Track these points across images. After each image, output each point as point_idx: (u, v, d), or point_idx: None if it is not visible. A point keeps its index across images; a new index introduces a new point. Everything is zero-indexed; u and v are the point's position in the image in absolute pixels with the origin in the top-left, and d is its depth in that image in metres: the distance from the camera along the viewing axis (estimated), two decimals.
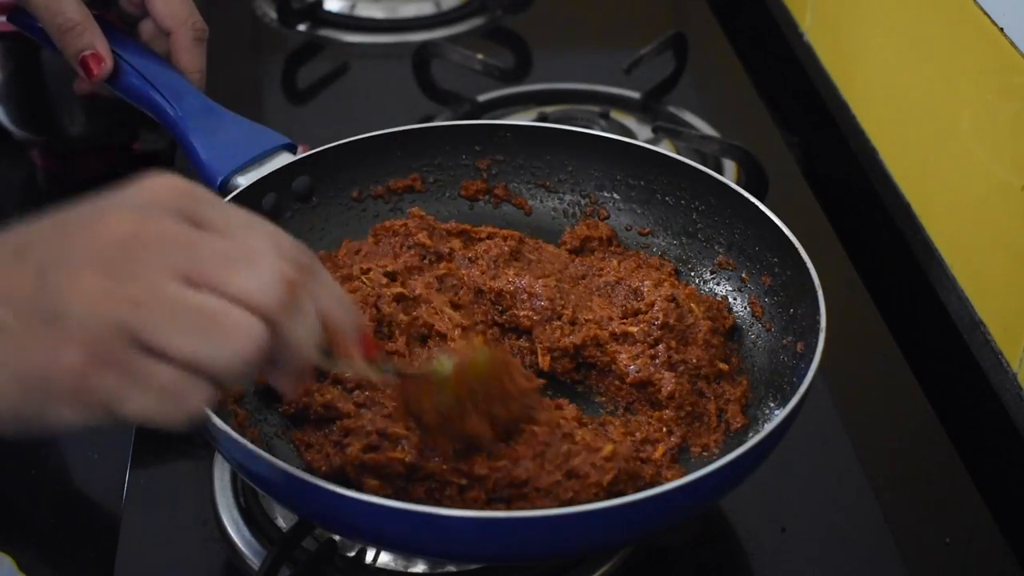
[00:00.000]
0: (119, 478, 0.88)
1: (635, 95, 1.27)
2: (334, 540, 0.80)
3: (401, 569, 0.80)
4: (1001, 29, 0.92)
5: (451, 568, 0.80)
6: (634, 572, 0.81)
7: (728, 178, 0.92)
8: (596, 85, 1.29)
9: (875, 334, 1.02)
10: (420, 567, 0.80)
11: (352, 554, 0.80)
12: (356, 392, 0.79)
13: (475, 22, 1.44)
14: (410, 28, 1.43)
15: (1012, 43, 0.90)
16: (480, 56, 1.29)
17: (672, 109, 1.26)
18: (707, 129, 1.23)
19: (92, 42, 0.92)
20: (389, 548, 0.79)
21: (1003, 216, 0.93)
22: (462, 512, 0.67)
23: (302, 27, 1.43)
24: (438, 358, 0.72)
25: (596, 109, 1.25)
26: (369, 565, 0.80)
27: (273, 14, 1.44)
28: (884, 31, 1.16)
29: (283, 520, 0.83)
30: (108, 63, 0.92)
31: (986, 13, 0.94)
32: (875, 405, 0.96)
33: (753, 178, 1.10)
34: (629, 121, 1.24)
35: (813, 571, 0.83)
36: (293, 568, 0.78)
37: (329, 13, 1.44)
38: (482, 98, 1.27)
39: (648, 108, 1.26)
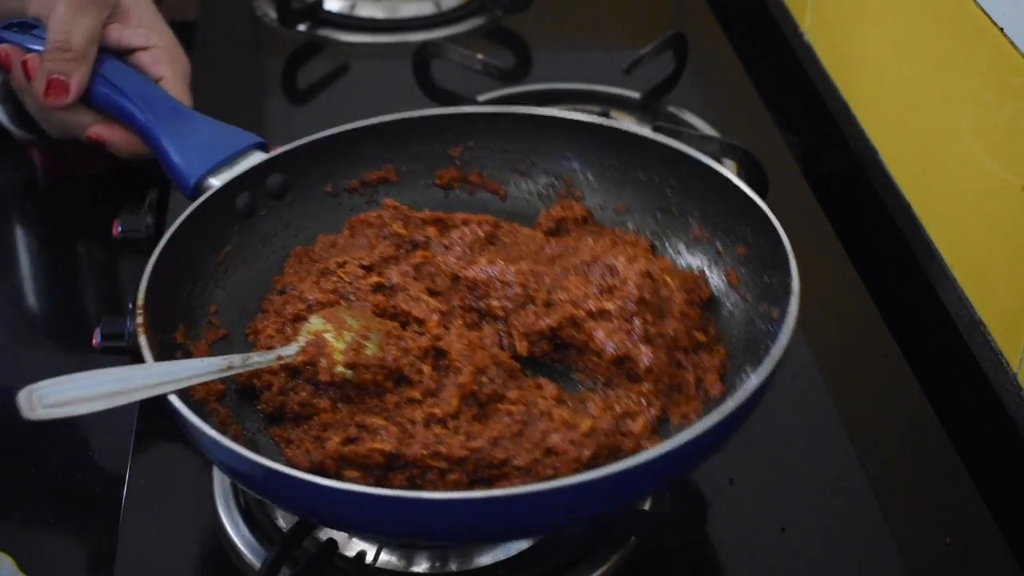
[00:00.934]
0: (119, 478, 0.88)
1: (635, 95, 1.27)
2: (334, 540, 0.80)
3: (402, 569, 0.80)
4: (1001, 29, 0.92)
5: (452, 567, 0.80)
6: (634, 572, 0.81)
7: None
8: (596, 85, 1.29)
9: (875, 334, 1.02)
10: (421, 567, 0.80)
11: (352, 554, 0.80)
12: (331, 390, 0.80)
13: (475, 22, 1.44)
14: (410, 28, 1.43)
15: (1012, 43, 0.90)
16: (480, 56, 1.29)
17: (672, 109, 1.26)
18: (707, 129, 1.23)
19: (72, 71, 0.93)
20: (374, 535, 0.79)
21: (1003, 216, 0.93)
22: (439, 495, 0.69)
23: (302, 27, 1.43)
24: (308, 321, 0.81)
25: (596, 109, 1.25)
26: (369, 565, 0.80)
27: (273, 14, 1.44)
28: (884, 31, 1.16)
29: (283, 520, 0.83)
30: (69, 98, 0.93)
31: (986, 13, 0.94)
32: (875, 405, 0.96)
33: (753, 178, 1.10)
34: (629, 121, 1.24)
35: (813, 571, 0.83)
36: (293, 568, 0.78)
37: (329, 13, 1.44)
38: (482, 98, 1.27)
39: (648, 108, 1.26)
